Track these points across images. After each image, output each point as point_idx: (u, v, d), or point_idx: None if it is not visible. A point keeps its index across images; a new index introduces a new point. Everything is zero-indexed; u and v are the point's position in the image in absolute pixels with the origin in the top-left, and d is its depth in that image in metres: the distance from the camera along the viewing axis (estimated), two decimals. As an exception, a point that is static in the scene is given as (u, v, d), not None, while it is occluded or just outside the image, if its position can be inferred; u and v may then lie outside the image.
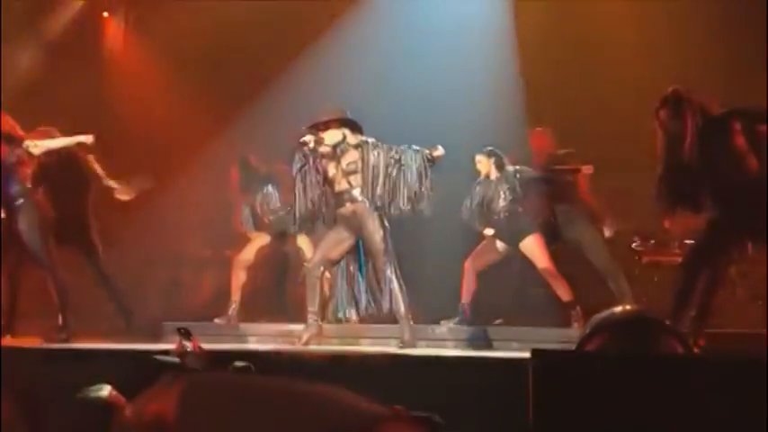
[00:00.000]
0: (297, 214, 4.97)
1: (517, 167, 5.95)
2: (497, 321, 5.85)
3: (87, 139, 5.13)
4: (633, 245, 6.53)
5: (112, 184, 5.59)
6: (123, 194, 5.64)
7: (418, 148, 4.91)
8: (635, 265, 6.49)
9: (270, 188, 6.26)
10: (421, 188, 4.83)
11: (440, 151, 4.87)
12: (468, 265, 5.90)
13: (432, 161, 4.87)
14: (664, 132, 4.19)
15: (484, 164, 5.96)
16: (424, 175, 4.84)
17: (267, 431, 0.84)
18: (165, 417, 0.88)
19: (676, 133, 4.14)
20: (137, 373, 3.33)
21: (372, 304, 4.91)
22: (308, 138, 4.89)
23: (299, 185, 4.92)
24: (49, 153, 5.12)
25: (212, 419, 0.86)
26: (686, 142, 4.10)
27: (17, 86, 6.75)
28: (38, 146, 5.00)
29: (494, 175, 5.93)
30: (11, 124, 5.02)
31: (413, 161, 4.84)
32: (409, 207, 4.84)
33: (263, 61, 7.63)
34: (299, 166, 4.92)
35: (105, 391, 2.80)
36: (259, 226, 6.34)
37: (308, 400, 0.88)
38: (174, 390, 0.90)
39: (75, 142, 5.13)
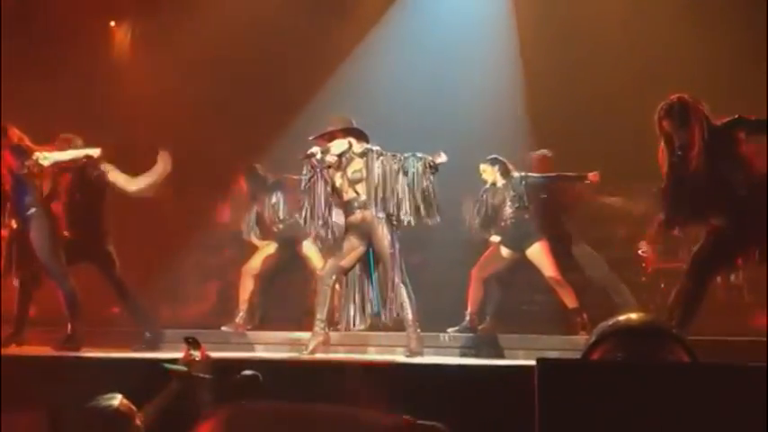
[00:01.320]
0: (306, 224, 4.98)
1: (523, 174, 5.96)
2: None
3: (95, 152, 5.17)
4: (640, 252, 6.52)
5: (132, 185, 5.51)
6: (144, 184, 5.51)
7: (421, 155, 4.92)
8: (641, 272, 6.48)
9: (278, 197, 6.28)
10: (424, 195, 4.83)
11: (442, 158, 4.88)
12: (474, 273, 5.90)
13: (434, 168, 4.88)
14: (667, 141, 4.18)
15: (489, 172, 5.97)
16: (427, 182, 4.85)
17: None
18: None
19: (683, 143, 4.11)
20: (145, 381, 3.35)
21: (380, 312, 4.92)
22: (315, 149, 4.92)
23: (307, 196, 4.93)
24: (65, 166, 5.16)
25: None
26: (693, 152, 4.08)
27: (25, 97, 6.80)
28: (47, 158, 5.05)
29: (500, 182, 5.94)
30: (19, 136, 5.08)
31: (415, 168, 4.85)
32: (413, 215, 4.85)
33: (271, 70, 7.67)
34: (308, 177, 4.94)
35: (116, 400, 2.83)
36: (266, 234, 6.36)
37: (340, 424, 0.90)
38: (216, 420, 0.91)
39: (84, 155, 5.17)
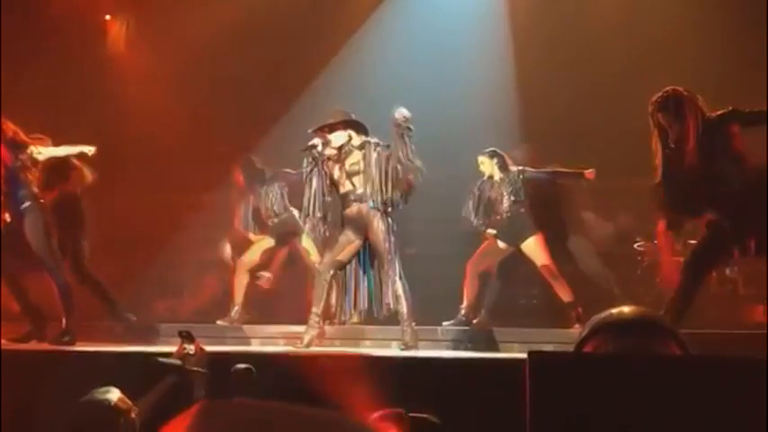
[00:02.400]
0: (306, 217, 4.96)
1: (521, 168, 5.96)
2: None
3: (90, 150, 5.16)
4: (635, 245, 6.54)
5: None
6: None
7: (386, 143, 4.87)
8: (637, 265, 6.49)
9: (274, 190, 6.27)
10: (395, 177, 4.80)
11: (403, 113, 4.76)
12: (470, 266, 5.91)
13: (402, 127, 4.77)
14: (660, 134, 4.16)
15: (487, 165, 5.97)
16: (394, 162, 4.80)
17: None
18: None
19: (677, 137, 4.10)
20: (139, 374, 3.35)
21: (375, 306, 4.92)
22: (316, 140, 4.91)
23: (307, 188, 4.92)
24: (52, 161, 5.15)
25: None
26: (688, 146, 4.06)
27: (20, 91, 6.78)
28: (42, 153, 5.05)
29: (497, 175, 5.94)
30: (13, 129, 5.06)
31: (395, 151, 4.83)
32: (400, 199, 4.83)
33: (268, 64, 7.65)
34: (308, 169, 4.93)
35: (112, 393, 2.83)
36: (261, 228, 6.35)
37: (317, 425, 0.90)
38: (186, 417, 0.91)
39: (78, 152, 5.16)
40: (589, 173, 5.86)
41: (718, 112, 4.13)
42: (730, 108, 4.14)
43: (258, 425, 0.88)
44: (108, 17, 8.46)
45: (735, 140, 4.06)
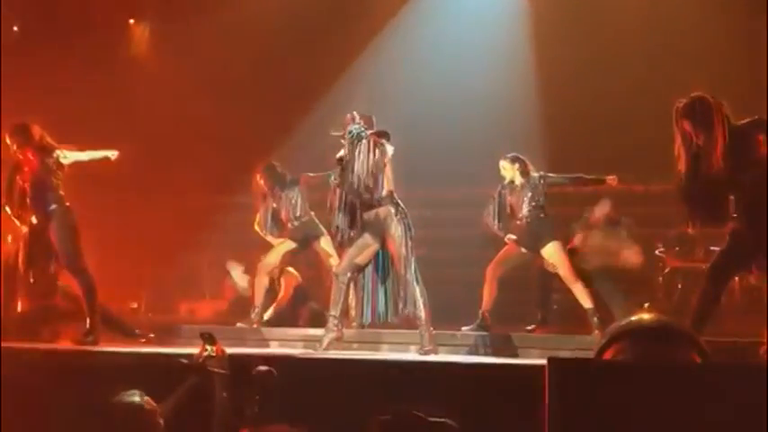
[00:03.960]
0: (336, 223, 4.97)
1: (542, 173, 5.94)
2: (529, 328, 5.84)
3: (113, 154, 5.22)
4: (657, 251, 6.49)
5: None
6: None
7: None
8: (659, 271, 6.45)
9: (295, 194, 6.31)
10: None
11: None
12: (489, 271, 5.90)
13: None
14: (684, 141, 4.13)
15: (508, 169, 5.95)
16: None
17: None
18: None
19: (702, 143, 4.07)
20: (161, 375, 3.39)
21: (392, 310, 4.93)
22: (343, 152, 4.94)
23: (335, 197, 4.94)
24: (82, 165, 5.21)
25: None
26: (713, 153, 4.02)
27: (44, 94, 6.88)
28: (67, 157, 5.12)
29: (518, 180, 5.92)
30: (40, 133, 5.14)
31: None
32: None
33: (292, 70, 7.70)
34: (336, 177, 4.95)
35: (138, 396, 2.87)
36: (281, 231, 6.39)
37: None
38: None
39: (102, 156, 5.23)
40: (611, 179, 5.83)
41: (744, 121, 4.10)
42: (756, 117, 4.11)
43: None
44: (132, 21, 8.57)
45: (760, 149, 4.02)
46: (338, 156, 4.95)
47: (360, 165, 4.81)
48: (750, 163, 4.03)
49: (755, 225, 4.03)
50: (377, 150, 4.83)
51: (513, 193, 5.93)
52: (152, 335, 5.42)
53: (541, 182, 5.87)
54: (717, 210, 4.15)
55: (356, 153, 4.83)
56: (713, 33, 6.63)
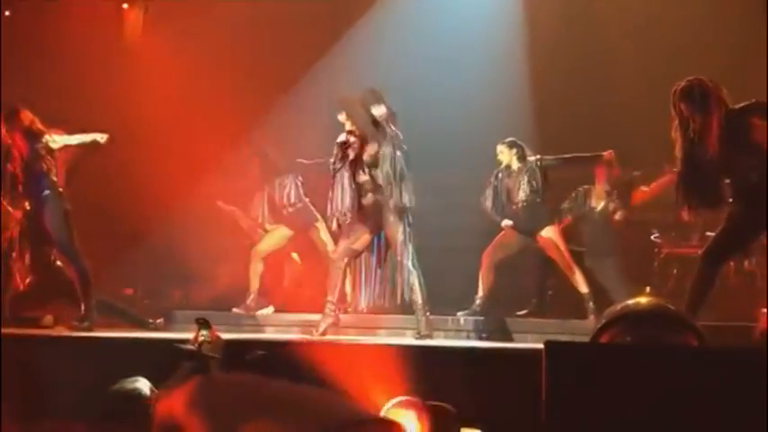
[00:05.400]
0: (334, 209, 4.96)
1: (538, 156, 5.93)
2: (521, 312, 5.85)
3: (102, 137, 5.16)
4: (652, 237, 6.50)
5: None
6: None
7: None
8: (654, 257, 6.46)
9: (289, 181, 6.30)
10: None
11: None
12: (485, 257, 5.90)
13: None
14: (681, 124, 4.12)
15: (505, 154, 5.94)
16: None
17: (261, 427, 0.87)
18: (175, 414, 0.92)
19: (699, 127, 4.06)
20: (157, 360, 3.39)
21: (390, 295, 4.94)
22: (344, 137, 4.91)
23: (336, 182, 4.92)
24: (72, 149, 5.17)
25: (216, 417, 0.90)
26: (710, 137, 4.02)
27: (35, 80, 6.82)
28: (56, 141, 5.09)
29: (515, 165, 5.92)
30: (30, 119, 5.11)
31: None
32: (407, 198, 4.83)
33: (285, 55, 7.65)
34: (337, 162, 4.92)
35: (140, 383, 2.87)
36: (276, 218, 6.38)
37: (305, 403, 0.92)
38: (184, 389, 0.93)
39: (91, 140, 5.17)
40: (608, 153, 5.84)
41: (741, 105, 4.09)
42: (753, 100, 4.10)
43: (251, 397, 0.90)
44: (125, 6, 8.49)
45: (756, 133, 4.02)
46: (340, 140, 4.93)
47: (385, 173, 4.77)
48: (746, 147, 4.02)
49: (751, 210, 4.03)
50: (401, 156, 4.82)
51: (510, 178, 5.93)
52: (160, 320, 5.44)
53: (538, 165, 5.86)
54: (712, 194, 4.16)
55: (380, 151, 4.80)
56: (711, 26, 6.61)
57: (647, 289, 5.77)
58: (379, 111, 4.83)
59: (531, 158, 5.90)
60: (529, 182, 5.83)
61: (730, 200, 4.13)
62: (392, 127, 4.87)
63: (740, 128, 4.03)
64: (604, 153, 5.86)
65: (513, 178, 5.91)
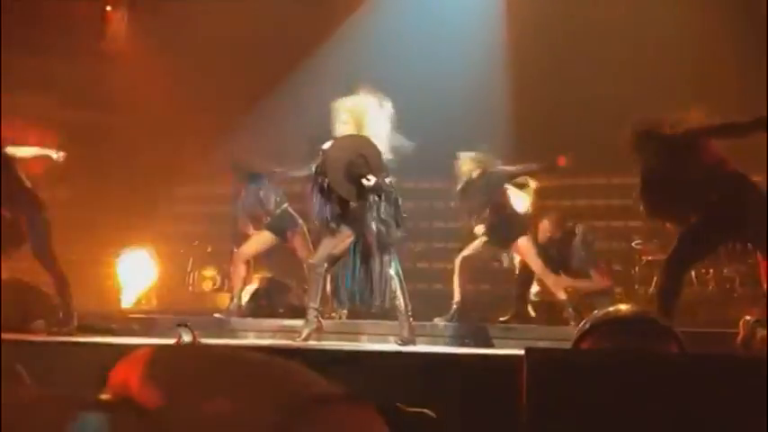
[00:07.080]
0: (315, 214, 4.93)
1: (500, 168, 5.93)
2: (502, 318, 5.87)
3: (58, 156, 5.14)
4: (634, 243, 6.55)
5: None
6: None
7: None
8: (635, 263, 6.51)
9: (265, 189, 6.28)
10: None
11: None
12: (459, 263, 5.91)
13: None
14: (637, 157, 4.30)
15: (468, 164, 5.95)
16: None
17: (222, 402, 0.86)
18: (129, 385, 0.90)
19: (650, 164, 4.23)
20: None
21: (372, 301, 4.93)
22: (327, 145, 4.89)
23: (315, 189, 4.90)
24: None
25: (172, 389, 0.88)
26: (661, 168, 4.19)
27: (19, 81, 6.77)
28: (15, 153, 5.08)
29: (475, 175, 5.91)
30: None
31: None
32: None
33: (266, 59, 7.64)
34: (317, 169, 4.91)
35: None
36: (256, 223, 6.37)
37: (265, 373, 0.91)
38: (142, 357, 0.91)
39: (44, 155, 5.17)
40: (560, 160, 5.86)
41: (687, 128, 4.21)
42: (698, 125, 4.22)
43: (220, 370, 0.89)
44: (109, 8, 8.44)
45: (705, 154, 4.16)
46: (325, 146, 4.91)
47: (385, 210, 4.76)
48: (698, 167, 4.15)
49: (711, 222, 4.15)
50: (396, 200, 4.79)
51: (475, 187, 5.92)
52: (135, 327, 5.39)
53: (495, 177, 5.85)
54: (670, 213, 4.30)
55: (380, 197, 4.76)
56: (692, 31, 6.69)
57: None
58: (368, 183, 4.76)
59: (494, 169, 5.88)
60: (491, 194, 5.82)
61: (689, 213, 4.24)
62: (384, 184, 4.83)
63: (691, 151, 4.17)
64: (557, 160, 5.87)
65: (480, 187, 5.90)
